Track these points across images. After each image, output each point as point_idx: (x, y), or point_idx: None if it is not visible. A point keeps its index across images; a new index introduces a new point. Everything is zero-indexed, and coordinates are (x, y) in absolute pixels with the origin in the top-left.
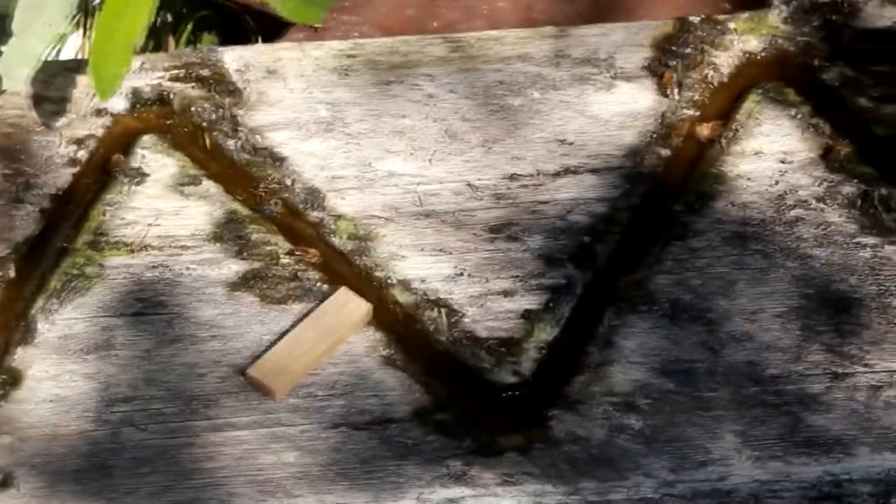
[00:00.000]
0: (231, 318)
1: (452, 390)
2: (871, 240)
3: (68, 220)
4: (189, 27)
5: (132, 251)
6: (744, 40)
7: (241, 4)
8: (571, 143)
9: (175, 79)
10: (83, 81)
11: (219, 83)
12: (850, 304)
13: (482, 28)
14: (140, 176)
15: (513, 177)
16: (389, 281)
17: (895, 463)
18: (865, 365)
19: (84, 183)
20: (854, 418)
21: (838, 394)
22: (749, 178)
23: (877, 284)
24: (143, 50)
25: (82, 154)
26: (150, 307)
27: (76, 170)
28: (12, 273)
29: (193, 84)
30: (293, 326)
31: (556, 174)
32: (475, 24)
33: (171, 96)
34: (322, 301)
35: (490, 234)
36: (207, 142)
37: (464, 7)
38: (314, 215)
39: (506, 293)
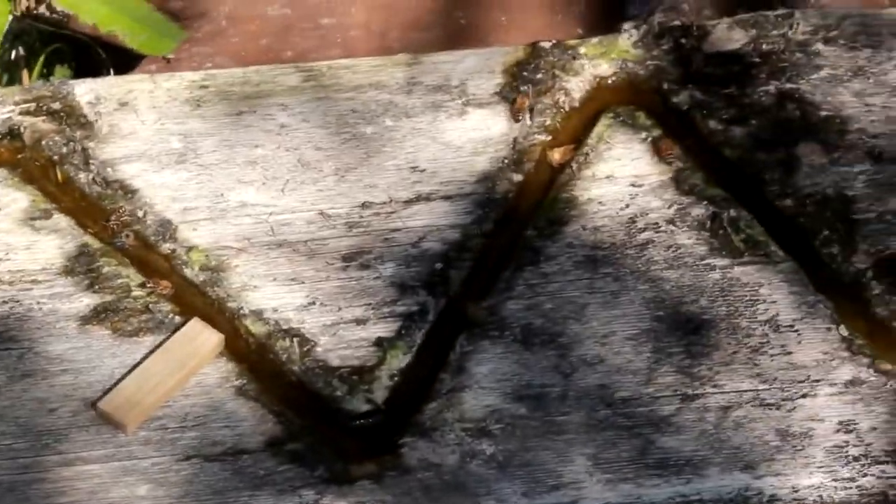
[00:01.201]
0: (83, 351)
1: (305, 419)
2: (720, 261)
3: None
4: (42, 60)
5: None
6: (595, 65)
7: (92, 37)
8: (424, 171)
9: (26, 112)
10: None
11: (70, 116)
12: (700, 325)
13: (336, 57)
14: None
15: (365, 205)
16: (242, 311)
17: (745, 482)
18: (715, 386)
19: None
20: (704, 439)
21: (689, 415)
22: (600, 202)
23: (726, 305)
24: None
25: None
26: (0, 342)
27: None
28: None
29: (45, 117)
30: (145, 359)
31: (409, 202)
32: (329, 52)
33: (23, 130)
34: (174, 333)
35: (343, 262)
36: (59, 175)
37: (318, 36)
38: (166, 247)
39: (358, 321)
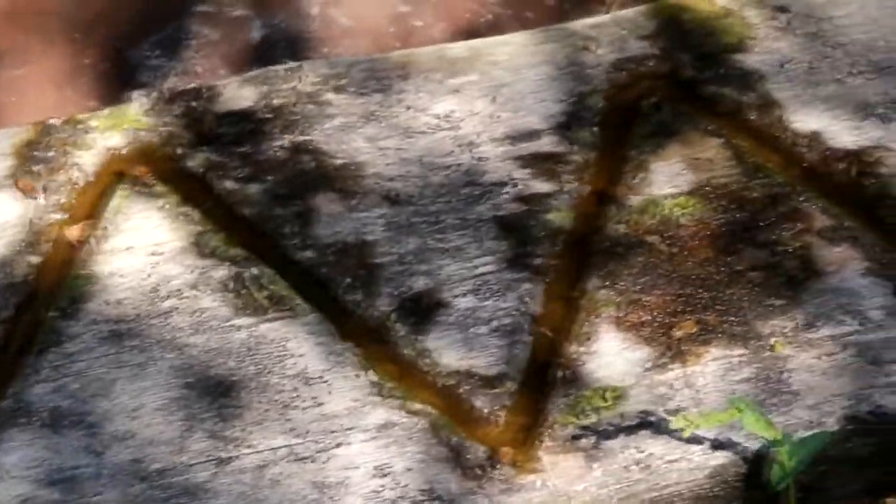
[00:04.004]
0: None
1: None
2: (245, 320)
3: None
4: None
5: None
6: (107, 137)
7: None
8: None
9: None
10: None
11: None
12: (230, 387)
13: None
14: None
15: None
16: None
17: None
18: (249, 446)
19: None
20: (242, 501)
21: (224, 479)
22: (121, 275)
23: (254, 364)
24: None
25: None
26: None
27: None
28: None
29: None
30: None
31: None
32: None
33: None
34: None
35: None
36: None
37: None
38: None
39: None
